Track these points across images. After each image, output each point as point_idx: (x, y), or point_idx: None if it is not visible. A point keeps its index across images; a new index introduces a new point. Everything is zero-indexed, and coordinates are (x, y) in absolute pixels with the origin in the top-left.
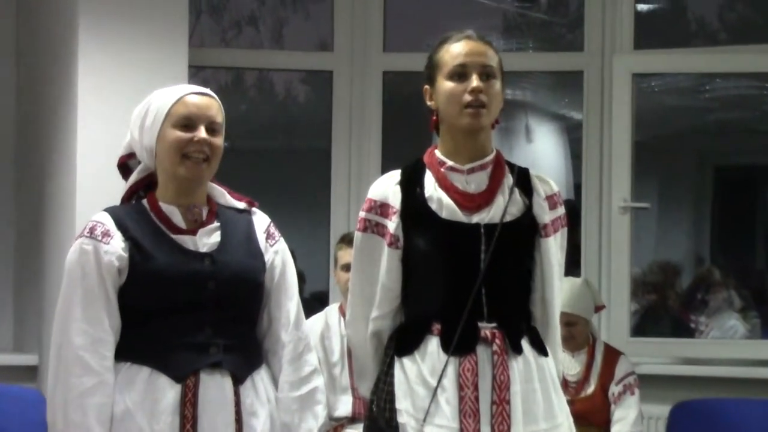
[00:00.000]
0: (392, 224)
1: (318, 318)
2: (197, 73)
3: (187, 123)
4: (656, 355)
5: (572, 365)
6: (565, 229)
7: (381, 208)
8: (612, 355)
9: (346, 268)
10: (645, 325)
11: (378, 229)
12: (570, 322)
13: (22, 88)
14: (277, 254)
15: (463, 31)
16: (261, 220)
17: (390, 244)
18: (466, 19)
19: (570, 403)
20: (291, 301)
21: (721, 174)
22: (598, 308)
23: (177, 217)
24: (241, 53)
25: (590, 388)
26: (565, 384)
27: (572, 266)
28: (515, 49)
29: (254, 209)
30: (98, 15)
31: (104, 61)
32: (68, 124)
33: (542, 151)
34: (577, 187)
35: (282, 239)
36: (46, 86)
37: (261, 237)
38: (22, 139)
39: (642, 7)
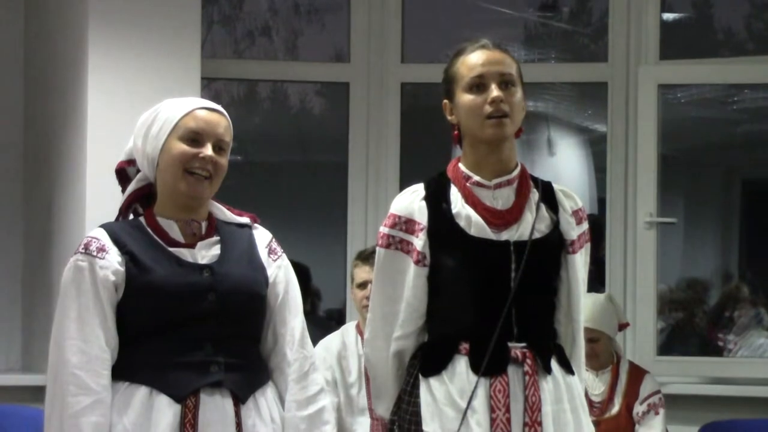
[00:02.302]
0: (419, 241)
1: (334, 337)
2: (209, 85)
3: (195, 138)
4: (684, 375)
5: (596, 385)
6: (589, 245)
7: (406, 224)
8: (637, 373)
9: (362, 285)
10: (672, 343)
11: (402, 245)
12: (592, 338)
13: (32, 100)
14: (280, 269)
15: (478, 41)
16: (262, 236)
17: (417, 262)
18: (487, 29)
19: (595, 423)
20: (296, 319)
21: (749, 188)
22: (622, 326)
23: (175, 231)
24: (255, 64)
25: (615, 408)
26: (589, 404)
27: (596, 283)
28: (537, 60)
29: (255, 225)
30: (109, 25)
31: (115, 72)
32: (78, 138)
33: (565, 164)
34: (601, 202)
35: (284, 256)
36: (56, 98)
37: (263, 252)
38: (32, 153)
39: (668, 16)
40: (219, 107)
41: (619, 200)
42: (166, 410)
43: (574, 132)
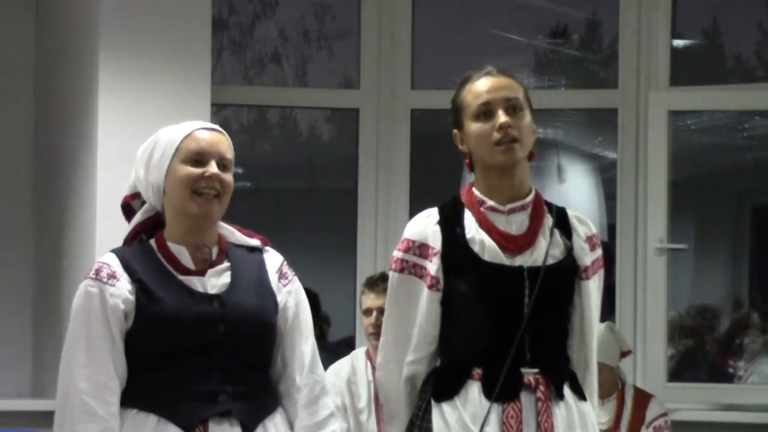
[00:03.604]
0: (433, 266)
1: (344, 363)
2: (219, 111)
3: (198, 158)
4: (694, 401)
5: (601, 413)
6: (602, 271)
7: (420, 248)
8: (643, 398)
9: (368, 312)
10: (682, 370)
11: (416, 270)
12: None
13: (42, 126)
14: (290, 294)
15: (483, 68)
16: (273, 260)
17: (430, 287)
18: (496, 56)
19: None
20: (306, 344)
21: (759, 214)
22: (624, 353)
23: (185, 257)
24: (265, 90)
25: None
26: None
27: (606, 309)
28: (547, 87)
29: (267, 248)
30: (119, 52)
31: (125, 98)
32: (88, 163)
33: (575, 191)
34: (611, 228)
35: (296, 279)
36: (67, 124)
37: (273, 277)
38: (42, 179)
39: (678, 43)
40: (217, 126)
41: (629, 227)
42: None
43: (583, 159)
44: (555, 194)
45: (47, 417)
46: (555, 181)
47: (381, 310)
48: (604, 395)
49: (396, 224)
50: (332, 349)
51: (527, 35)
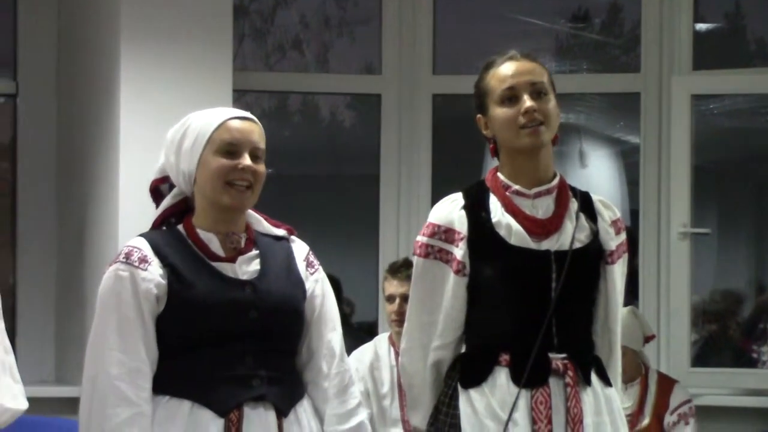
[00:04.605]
0: (459, 251)
1: (367, 348)
2: (240, 98)
3: (231, 149)
4: (717, 386)
5: (625, 398)
6: (627, 255)
7: (446, 233)
8: (667, 384)
9: (390, 299)
10: (706, 355)
11: (441, 255)
12: None
13: (64, 114)
14: (317, 283)
15: (507, 52)
16: (300, 248)
17: (457, 272)
18: (517, 40)
19: None
20: (333, 332)
21: None
22: (648, 338)
23: (215, 245)
24: (286, 77)
25: (645, 421)
26: None
27: (629, 295)
28: (569, 71)
29: (293, 237)
30: (141, 39)
31: (147, 85)
32: (111, 151)
33: (597, 176)
34: (633, 213)
35: (321, 268)
36: (88, 112)
37: (301, 265)
38: (64, 167)
39: (700, 26)
40: (250, 114)
41: (652, 211)
42: (209, 425)
43: (606, 143)
44: (577, 179)
45: (71, 403)
46: (577, 166)
47: (403, 297)
48: (627, 380)
49: (418, 209)
50: (354, 334)
51: (548, 19)
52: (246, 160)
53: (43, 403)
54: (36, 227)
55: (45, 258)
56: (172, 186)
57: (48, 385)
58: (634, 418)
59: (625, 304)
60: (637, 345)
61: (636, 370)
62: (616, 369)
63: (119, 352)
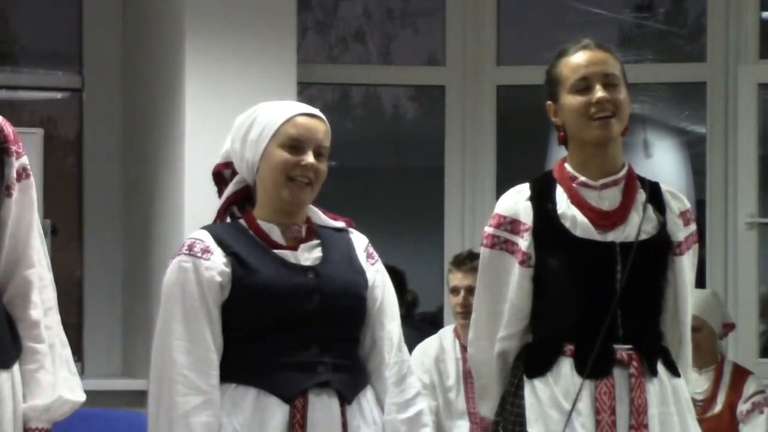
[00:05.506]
0: (524, 242)
1: (432, 341)
2: (304, 90)
3: (295, 145)
4: None
5: (700, 383)
6: (696, 246)
7: (511, 224)
8: (741, 374)
9: (455, 291)
10: None
11: (507, 246)
12: (695, 326)
13: (130, 108)
14: (378, 273)
15: (580, 41)
16: (360, 240)
17: (522, 263)
18: (581, 30)
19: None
20: (393, 322)
21: None
22: (727, 326)
23: (276, 234)
24: (350, 69)
25: (717, 407)
26: (692, 402)
27: (696, 286)
28: (633, 61)
29: (351, 229)
30: (206, 33)
31: (212, 78)
32: (176, 143)
33: (662, 166)
34: (699, 204)
35: (380, 260)
36: (154, 105)
37: (361, 256)
38: (130, 160)
39: (767, 14)
40: (318, 112)
41: (719, 201)
42: (275, 411)
43: (670, 133)
44: (641, 169)
45: (138, 396)
46: (641, 157)
47: (468, 289)
48: (703, 364)
49: (483, 202)
50: (418, 326)
51: (613, 9)
52: (309, 157)
53: (111, 396)
54: (102, 221)
55: (111, 251)
56: (234, 172)
57: (116, 378)
58: (706, 404)
59: None
60: (716, 324)
61: (712, 354)
62: (686, 360)
63: (186, 342)
